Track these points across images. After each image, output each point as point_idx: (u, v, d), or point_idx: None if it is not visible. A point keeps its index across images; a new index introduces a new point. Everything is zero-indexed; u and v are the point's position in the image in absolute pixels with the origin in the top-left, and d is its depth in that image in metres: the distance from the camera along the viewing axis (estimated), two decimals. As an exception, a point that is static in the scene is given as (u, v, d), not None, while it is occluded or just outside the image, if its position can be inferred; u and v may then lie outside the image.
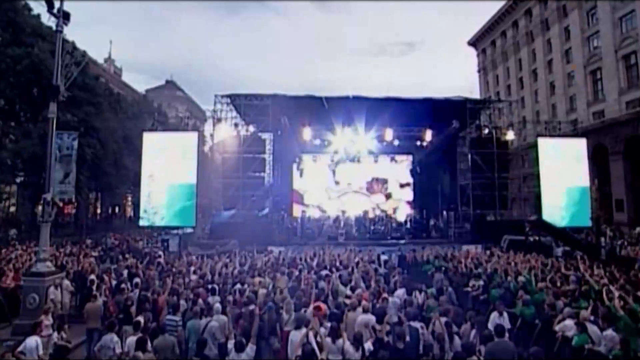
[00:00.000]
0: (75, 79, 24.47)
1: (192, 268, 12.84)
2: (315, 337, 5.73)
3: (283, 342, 6.46)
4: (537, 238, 18.88)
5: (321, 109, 21.04)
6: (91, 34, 59.44)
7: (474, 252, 15.03)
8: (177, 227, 21.02)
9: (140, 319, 7.04)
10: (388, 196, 26.65)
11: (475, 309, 8.39)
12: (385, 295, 8.81)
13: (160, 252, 17.25)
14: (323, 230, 22.81)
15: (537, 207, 20.91)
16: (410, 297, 8.24)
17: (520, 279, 9.52)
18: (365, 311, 7.37)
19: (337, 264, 12.79)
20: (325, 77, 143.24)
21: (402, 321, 6.50)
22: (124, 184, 31.62)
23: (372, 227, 23.08)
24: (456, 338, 6.12)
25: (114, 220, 37.81)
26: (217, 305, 7.48)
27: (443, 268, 12.37)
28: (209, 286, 9.88)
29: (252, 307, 8.06)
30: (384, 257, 14.64)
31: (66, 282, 10.01)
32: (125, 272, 12.32)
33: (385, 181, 26.64)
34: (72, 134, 11.56)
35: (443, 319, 6.66)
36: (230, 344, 5.69)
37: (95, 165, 25.70)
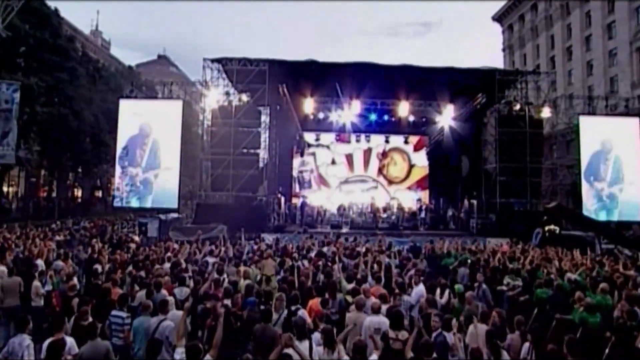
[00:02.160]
0: (45, 40, 23.35)
1: (169, 254, 11.64)
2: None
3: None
4: (555, 229, 17.32)
5: (326, 79, 19.53)
6: (83, 8, 57.63)
7: (505, 245, 13.54)
8: (157, 210, 19.76)
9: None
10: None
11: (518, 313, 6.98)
12: (397, 291, 7.42)
13: (135, 237, 16.04)
14: (325, 218, 21.40)
15: (575, 198, 19.33)
16: (433, 295, 6.76)
17: (570, 276, 8.03)
18: (375, 312, 5.95)
19: (341, 254, 11.37)
20: (333, 59, 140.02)
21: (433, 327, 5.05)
22: (104, 163, 30.23)
23: (381, 216, 21.63)
24: (504, 354, 4.66)
25: (94, 203, 36.66)
26: (172, 299, 6.10)
27: (469, 262, 10.91)
28: (181, 275, 8.60)
29: (226, 302, 6.69)
30: (396, 247, 13.25)
31: (0, 268, 8.63)
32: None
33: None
34: (13, 84, 10.15)
35: (482, 327, 5.21)
36: (179, 353, 4.26)
37: (69, 139, 24.32)
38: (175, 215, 22.07)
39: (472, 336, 5.13)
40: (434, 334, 5.03)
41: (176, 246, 13.45)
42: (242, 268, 9.45)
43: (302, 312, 6.19)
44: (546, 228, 17.52)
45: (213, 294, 7.06)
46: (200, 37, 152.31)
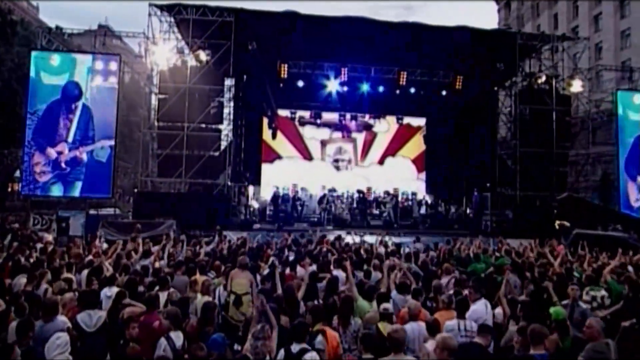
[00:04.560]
0: None
1: (90, 257, 9.18)
2: None
3: None
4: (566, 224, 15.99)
5: (308, 38, 17.15)
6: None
7: (558, 246, 11.71)
8: (90, 202, 16.75)
9: None
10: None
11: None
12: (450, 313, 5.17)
13: (47, 235, 13.09)
14: (304, 213, 19.05)
15: (604, 190, 17.94)
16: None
17: None
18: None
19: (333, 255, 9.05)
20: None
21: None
22: (18, 144, 26.35)
23: (373, 212, 19.57)
24: None
25: (9, 197, 32.52)
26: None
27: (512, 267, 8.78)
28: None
29: (173, 335, 4.19)
30: (413, 246, 11.13)
31: None
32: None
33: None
34: None
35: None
36: None
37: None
38: (110, 210, 19.11)
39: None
40: None
41: (105, 246, 10.91)
42: (198, 277, 6.98)
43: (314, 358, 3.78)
44: (556, 223, 16.47)
45: (143, 322, 4.52)
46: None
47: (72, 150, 16.29)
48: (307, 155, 22.72)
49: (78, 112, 16.01)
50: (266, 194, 20.66)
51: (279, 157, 22.24)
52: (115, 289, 6.64)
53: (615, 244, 13.96)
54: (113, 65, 16.01)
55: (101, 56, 16.35)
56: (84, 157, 16.33)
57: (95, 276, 7.41)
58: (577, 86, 17.44)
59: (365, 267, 8.50)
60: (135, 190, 28.19)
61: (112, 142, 16.47)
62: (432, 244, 13.16)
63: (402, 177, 22.53)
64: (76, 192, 16.54)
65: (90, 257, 9.28)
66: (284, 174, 21.82)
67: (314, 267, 8.31)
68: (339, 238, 13.16)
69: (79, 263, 8.89)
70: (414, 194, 21.81)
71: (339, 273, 7.69)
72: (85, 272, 8.17)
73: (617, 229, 16.09)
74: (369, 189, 22.08)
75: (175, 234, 13.47)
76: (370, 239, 13.78)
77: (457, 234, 16.57)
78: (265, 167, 21.94)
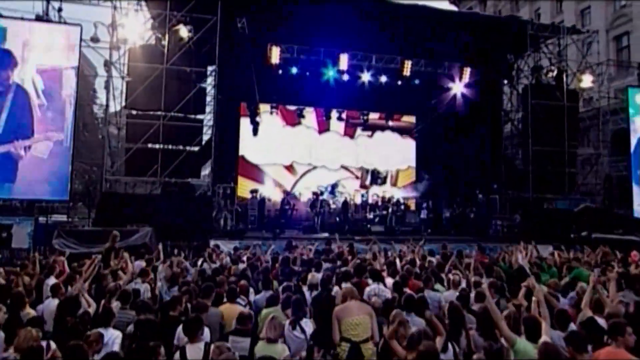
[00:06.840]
0: None
1: (53, 280, 6.61)
2: None
3: None
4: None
5: (303, 18, 15.08)
6: None
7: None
8: (32, 203, 13.51)
9: None
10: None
11: None
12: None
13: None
14: (292, 217, 16.81)
15: (608, 193, 17.12)
16: None
17: None
18: None
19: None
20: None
21: None
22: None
23: (369, 215, 17.68)
24: None
25: None
26: None
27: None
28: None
29: None
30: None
31: None
32: None
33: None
34: None
35: None
36: None
37: None
38: (62, 216, 15.84)
39: None
40: None
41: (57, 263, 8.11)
42: (230, 306, 4.68)
43: None
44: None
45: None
46: None
47: (4, 145, 12.89)
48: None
49: (11, 95, 12.69)
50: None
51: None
52: (114, 333, 4.20)
53: (634, 248, 12.98)
54: (70, 37, 12.92)
55: (55, 25, 13.21)
56: (21, 153, 12.93)
57: (71, 312, 4.86)
58: (587, 81, 16.59)
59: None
60: (88, 192, 24.43)
61: (62, 136, 13.29)
62: (456, 251, 11.42)
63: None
64: (5, 194, 13.14)
65: (53, 279, 6.61)
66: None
67: (374, 286, 6.23)
68: (351, 246, 11.10)
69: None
70: (405, 198, 20.16)
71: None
72: (50, 303, 5.56)
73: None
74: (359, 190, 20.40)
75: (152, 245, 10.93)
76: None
77: (463, 240, 15.05)
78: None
